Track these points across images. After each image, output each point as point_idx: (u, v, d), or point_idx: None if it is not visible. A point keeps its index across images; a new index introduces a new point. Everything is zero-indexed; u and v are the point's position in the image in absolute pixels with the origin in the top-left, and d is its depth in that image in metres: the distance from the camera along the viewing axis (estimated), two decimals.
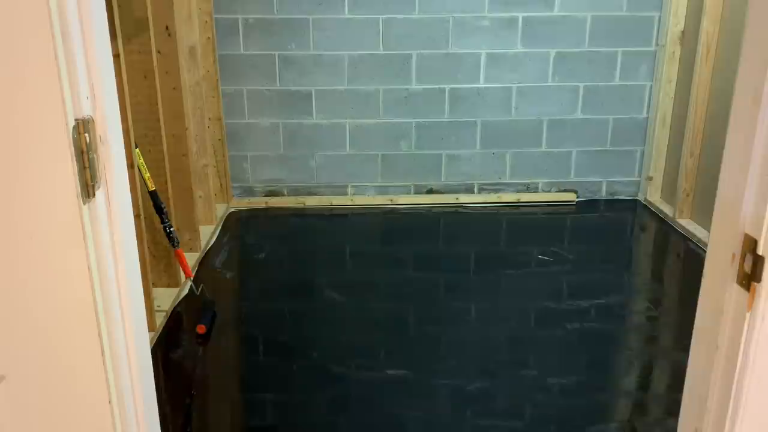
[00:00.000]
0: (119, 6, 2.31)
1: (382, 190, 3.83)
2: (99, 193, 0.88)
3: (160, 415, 1.12)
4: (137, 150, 2.51)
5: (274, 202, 3.81)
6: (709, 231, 0.98)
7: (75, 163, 0.83)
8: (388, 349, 2.55)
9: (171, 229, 2.68)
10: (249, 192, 3.83)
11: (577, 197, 3.94)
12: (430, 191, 3.84)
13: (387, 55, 3.59)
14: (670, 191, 3.73)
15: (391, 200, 3.80)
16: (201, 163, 3.35)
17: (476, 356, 2.48)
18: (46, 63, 0.79)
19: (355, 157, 3.78)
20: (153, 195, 2.60)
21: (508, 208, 3.79)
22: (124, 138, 0.96)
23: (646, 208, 3.86)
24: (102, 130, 0.87)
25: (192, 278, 2.81)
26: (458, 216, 3.70)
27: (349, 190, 3.83)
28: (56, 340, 0.88)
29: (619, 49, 3.67)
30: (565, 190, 3.93)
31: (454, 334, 2.63)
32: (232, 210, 3.73)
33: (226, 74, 3.59)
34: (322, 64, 3.60)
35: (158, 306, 2.69)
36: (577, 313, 2.75)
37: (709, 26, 3.31)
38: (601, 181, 3.95)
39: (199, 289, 2.81)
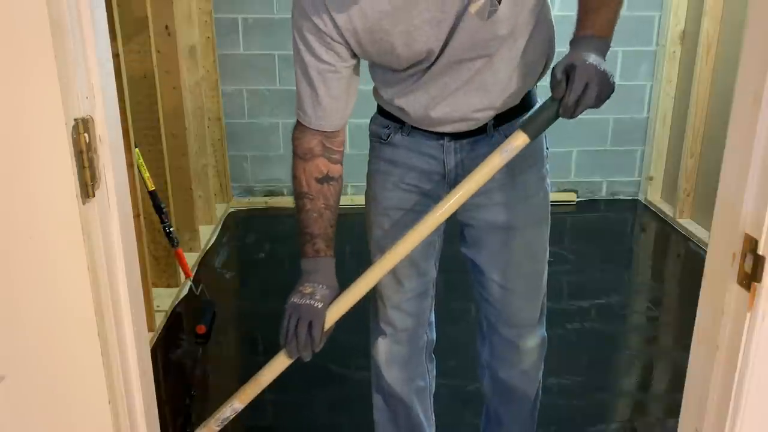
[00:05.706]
0: (119, 6, 2.31)
1: None
2: (99, 193, 0.87)
3: (160, 416, 1.11)
4: (137, 150, 2.51)
5: (274, 202, 3.81)
6: (709, 231, 0.98)
7: (74, 162, 0.83)
8: None
9: (171, 229, 2.67)
10: (249, 192, 3.83)
11: (578, 197, 3.94)
12: None
13: None
14: (670, 191, 3.73)
15: None
16: (201, 163, 3.35)
17: (476, 356, 2.48)
18: (45, 62, 0.78)
19: (354, 156, 3.75)
20: (153, 195, 2.59)
21: None
22: (124, 138, 0.96)
23: (647, 208, 3.86)
24: (101, 130, 0.87)
25: (192, 278, 2.81)
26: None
27: (349, 189, 3.82)
28: (56, 341, 0.88)
29: (620, 49, 3.67)
30: (565, 190, 3.93)
31: (454, 334, 2.63)
32: (232, 210, 3.73)
33: (226, 74, 3.58)
34: None
35: (158, 306, 2.69)
36: (578, 313, 2.75)
37: (709, 26, 3.31)
38: (601, 181, 3.95)
39: (199, 289, 2.81)
